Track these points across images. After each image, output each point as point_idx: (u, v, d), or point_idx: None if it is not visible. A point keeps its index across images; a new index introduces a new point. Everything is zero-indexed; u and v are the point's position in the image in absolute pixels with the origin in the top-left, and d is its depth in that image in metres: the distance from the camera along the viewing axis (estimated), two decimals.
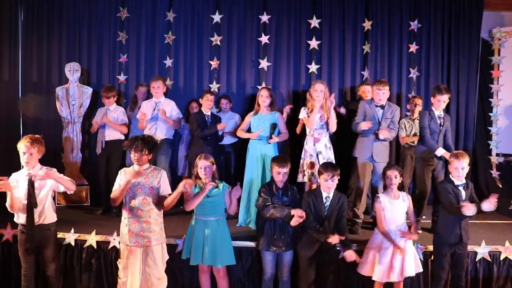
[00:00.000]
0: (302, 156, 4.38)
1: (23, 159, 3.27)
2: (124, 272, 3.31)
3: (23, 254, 3.37)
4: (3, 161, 5.32)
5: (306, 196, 3.58)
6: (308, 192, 3.73)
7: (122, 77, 5.73)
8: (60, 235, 3.97)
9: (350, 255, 3.41)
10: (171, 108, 4.95)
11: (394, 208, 3.51)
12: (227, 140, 5.23)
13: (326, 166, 3.51)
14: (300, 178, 4.36)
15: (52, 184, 3.34)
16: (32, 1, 5.65)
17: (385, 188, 3.65)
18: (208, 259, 3.40)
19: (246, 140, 4.66)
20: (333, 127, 4.29)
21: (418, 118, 4.63)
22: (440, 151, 4.16)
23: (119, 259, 3.40)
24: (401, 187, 3.74)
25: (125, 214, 3.31)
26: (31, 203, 3.24)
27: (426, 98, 5.38)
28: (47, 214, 3.36)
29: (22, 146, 3.25)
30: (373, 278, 3.47)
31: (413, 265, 3.49)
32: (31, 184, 3.24)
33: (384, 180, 3.61)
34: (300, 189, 4.30)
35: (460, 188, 3.44)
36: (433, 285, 3.64)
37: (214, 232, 3.42)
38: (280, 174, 3.50)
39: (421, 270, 3.61)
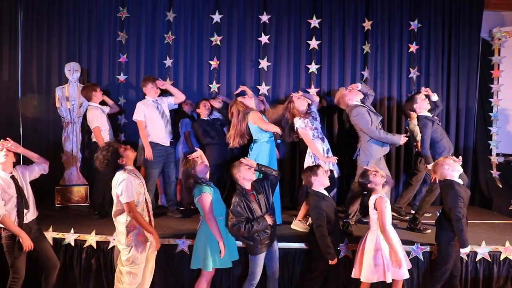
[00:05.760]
0: (311, 161, 4.31)
1: (1, 155, 3.32)
2: (138, 275, 3.29)
3: (21, 258, 3.37)
4: None
5: (317, 202, 3.49)
6: (315, 197, 3.55)
7: (122, 77, 5.73)
8: (60, 235, 3.99)
9: None
10: (167, 103, 5.01)
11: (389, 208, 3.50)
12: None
13: (317, 165, 3.69)
14: None
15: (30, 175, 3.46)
16: (32, 1, 5.65)
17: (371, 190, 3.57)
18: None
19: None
20: (315, 98, 4.78)
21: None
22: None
23: (130, 265, 3.26)
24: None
25: (145, 215, 3.31)
26: (25, 201, 3.38)
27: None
28: (34, 208, 3.49)
29: None
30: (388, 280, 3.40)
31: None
32: (17, 184, 3.36)
33: (373, 181, 3.52)
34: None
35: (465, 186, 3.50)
36: (432, 285, 3.59)
37: None
38: (252, 171, 3.49)
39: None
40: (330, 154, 4.40)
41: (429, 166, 4.26)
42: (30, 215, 3.43)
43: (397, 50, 5.78)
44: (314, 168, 3.61)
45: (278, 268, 3.63)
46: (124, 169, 3.24)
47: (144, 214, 3.28)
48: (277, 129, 4.39)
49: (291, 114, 4.40)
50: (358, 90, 4.42)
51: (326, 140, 4.43)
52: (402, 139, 4.23)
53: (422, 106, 4.43)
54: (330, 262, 3.43)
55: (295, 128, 4.36)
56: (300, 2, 5.74)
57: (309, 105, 4.50)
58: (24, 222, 3.37)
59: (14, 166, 3.43)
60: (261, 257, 3.48)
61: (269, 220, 3.42)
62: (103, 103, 5.14)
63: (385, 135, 4.23)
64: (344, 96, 4.48)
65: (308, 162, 4.36)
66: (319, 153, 4.25)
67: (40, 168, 3.56)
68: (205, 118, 5.06)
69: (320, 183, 3.54)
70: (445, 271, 3.48)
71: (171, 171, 4.95)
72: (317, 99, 4.83)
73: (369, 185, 3.53)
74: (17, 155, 3.48)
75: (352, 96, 4.37)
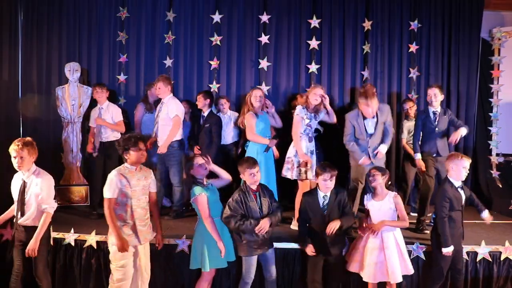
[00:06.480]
0: (294, 153, 4.35)
1: (15, 162, 3.30)
2: (124, 272, 3.26)
3: (15, 252, 3.40)
4: (3, 161, 5.31)
5: (306, 198, 3.59)
6: (305, 193, 3.73)
7: (122, 77, 5.73)
8: (60, 235, 3.99)
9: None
10: (168, 108, 4.71)
11: (380, 209, 3.48)
12: (230, 139, 5.25)
13: (325, 167, 3.49)
14: (288, 175, 4.37)
15: (38, 192, 3.35)
16: (32, 1, 5.64)
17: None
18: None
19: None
20: (334, 118, 4.51)
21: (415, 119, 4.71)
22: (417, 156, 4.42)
23: (115, 262, 3.25)
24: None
25: (128, 218, 3.26)
26: (21, 206, 3.33)
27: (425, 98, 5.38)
28: (36, 215, 3.36)
29: (12, 150, 3.28)
30: (365, 280, 3.47)
31: (399, 268, 3.41)
32: (23, 188, 3.33)
33: (371, 182, 3.55)
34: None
35: (459, 189, 3.46)
36: (430, 285, 3.60)
37: None
38: (253, 175, 3.42)
39: (411, 272, 3.50)
40: (314, 157, 4.33)
41: (416, 157, 4.40)
42: (23, 219, 3.36)
43: (397, 50, 5.79)
44: (328, 173, 3.44)
45: (274, 270, 3.59)
46: (122, 165, 3.29)
47: (127, 217, 3.26)
48: (264, 141, 4.38)
49: (302, 100, 4.44)
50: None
51: (313, 141, 4.39)
52: (362, 161, 4.08)
53: (428, 100, 4.47)
54: (306, 250, 3.49)
55: (293, 113, 4.40)
56: (300, 2, 5.74)
57: (322, 107, 4.40)
58: (15, 221, 3.37)
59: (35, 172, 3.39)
60: (251, 259, 3.48)
61: (264, 224, 3.35)
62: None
63: (349, 147, 4.18)
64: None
65: (290, 152, 4.38)
66: (300, 150, 4.26)
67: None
68: (203, 114, 5.02)
69: (321, 186, 3.52)
70: (441, 271, 3.48)
71: (171, 174, 4.79)
72: (334, 119, 4.54)
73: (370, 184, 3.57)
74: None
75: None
